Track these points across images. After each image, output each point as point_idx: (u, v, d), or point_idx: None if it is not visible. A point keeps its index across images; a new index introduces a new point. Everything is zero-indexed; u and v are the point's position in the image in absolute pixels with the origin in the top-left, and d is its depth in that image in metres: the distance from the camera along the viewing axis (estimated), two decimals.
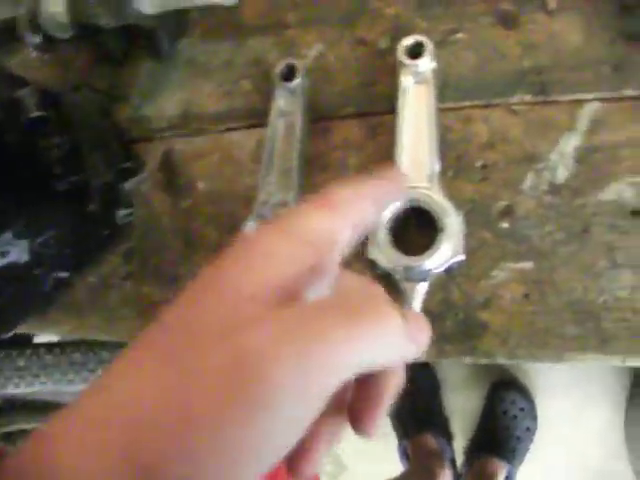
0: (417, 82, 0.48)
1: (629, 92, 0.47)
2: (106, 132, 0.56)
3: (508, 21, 0.50)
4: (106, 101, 0.59)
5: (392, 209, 0.45)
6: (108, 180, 0.53)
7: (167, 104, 0.58)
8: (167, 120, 0.58)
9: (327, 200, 0.26)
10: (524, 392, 1.26)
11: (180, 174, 0.56)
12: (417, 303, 0.45)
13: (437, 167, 0.46)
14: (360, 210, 0.28)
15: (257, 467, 0.21)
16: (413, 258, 0.44)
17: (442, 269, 0.44)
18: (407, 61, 0.48)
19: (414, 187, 0.46)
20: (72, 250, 0.55)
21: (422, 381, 1.29)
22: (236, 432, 0.20)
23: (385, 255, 0.45)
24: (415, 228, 0.47)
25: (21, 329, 0.54)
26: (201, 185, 0.55)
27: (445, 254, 0.44)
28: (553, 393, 1.27)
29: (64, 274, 0.56)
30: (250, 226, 0.48)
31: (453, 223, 0.44)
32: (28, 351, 0.95)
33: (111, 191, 0.54)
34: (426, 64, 0.48)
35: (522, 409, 1.23)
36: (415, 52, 0.48)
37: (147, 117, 0.59)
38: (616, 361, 0.44)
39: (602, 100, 0.47)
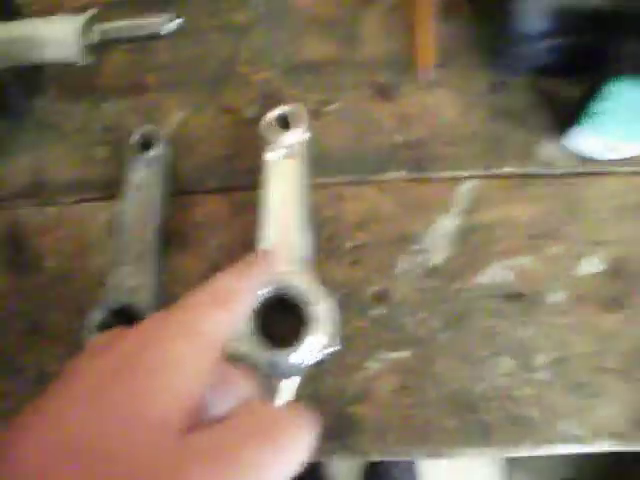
0: (285, 156, 0.46)
1: (505, 170, 0.48)
2: None
3: (384, 93, 0.51)
4: None
5: (260, 297, 0.43)
6: None
7: (15, 170, 0.53)
8: (13, 187, 0.53)
9: (219, 296, 0.27)
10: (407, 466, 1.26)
11: (26, 249, 0.52)
12: (284, 400, 0.43)
13: (307, 249, 0.45)
14: (246, 302, 0.28)
15: None
16: (276, 352, 0.41)
17: (311, 362, 0.42)
18: (271, 135, 0.46)
19: (282, 272, 0.43)
20: None
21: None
22: None
23: (247, 348, 0.42)
24: (285, 317, 0.44)
25: None
26: (49, 262, 0.51)
27: (313, 346, 0.41)
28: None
29: None
30: (95, 318, 0.45)
31: (321, 312, 0.42)
32: None
33: None
34: (293, 136, 0.46)
35: None
36: (285, 122, 0.47)
37: None
38: (498, 452, 0.44)
39: (478, 177, 0.48)
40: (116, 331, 0.27)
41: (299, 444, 0.24)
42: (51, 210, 0.52)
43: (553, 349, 0.44)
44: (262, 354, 0.41)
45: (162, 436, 0.22)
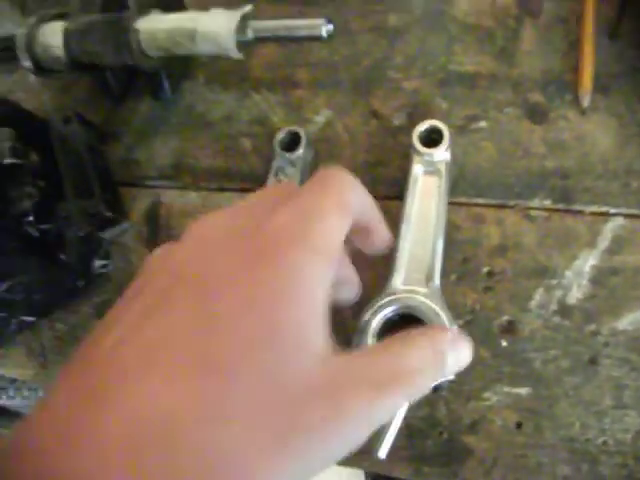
0: (428, 172, 0.46)
1: None
2: (91, 174, 0.55)
3: (536, 115, 0.49)
4: (96, 138, 0.58)
5: (382, 314, 0.43)
6: (84, 231, 0.52)
7: (160, 151, 0.57)
8: (158, 168, 0.57)
9: (341, 199, 0.28)
10: None
11: (164, 229, 0.55)
12: (398, 420, 0.43)
13: (438, 269, 0.44)
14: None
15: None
16: None
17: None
18: (420, 148, 0.46)
19: (409, 290, 0.44)
20: (42, 297, 0.54)
21: None
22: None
23: None
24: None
25: None
26: None
27: None
28: None
29: (30, 318, 0.56)
30: None
31: None
32: None
33: (87, 242, 0.53)
34: (440, 154, 0.46)
35: None
36: (430, 138, 0.46)
37: (138, 162, 0.58)
38: None
39: (628, 216, 0.46)
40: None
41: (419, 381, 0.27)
42: (193, 195, 0.55)
43: None
44: None
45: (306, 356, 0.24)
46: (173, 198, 0.56)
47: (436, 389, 0.43)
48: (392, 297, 0.43)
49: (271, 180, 0.50)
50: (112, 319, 0.26)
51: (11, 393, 0.93)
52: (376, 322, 0.43)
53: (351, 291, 0.35)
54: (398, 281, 0.44)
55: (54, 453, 0.21)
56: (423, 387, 0.27)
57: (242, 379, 0.22)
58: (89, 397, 0.22)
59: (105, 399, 0.22)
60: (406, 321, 0.44)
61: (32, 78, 0.59)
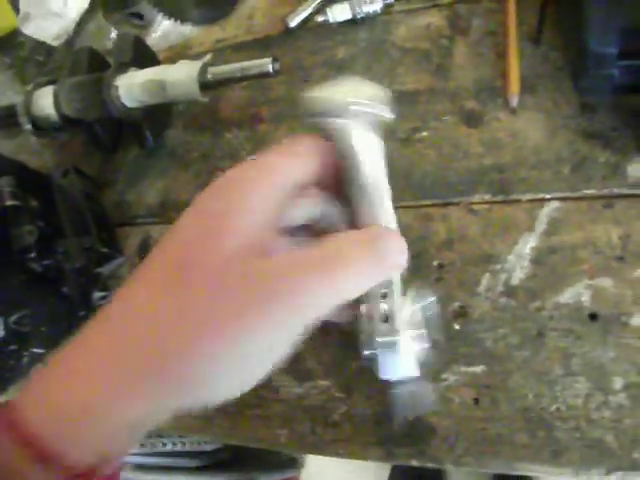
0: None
1: (588, 192, 0.49)
2: (87, 217, 0.63)
3: (471, 120, 0.54)
4: (92, 186, 0.66)
5: None
6: (82, 265, 0.59)
7: (148, 192, 0.64)
8: (147, 207, 0.64)
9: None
10: None
11: None
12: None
13: None
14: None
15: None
16: None
17: None
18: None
19: None
20: (48, 328, 0.61)
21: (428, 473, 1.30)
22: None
23: None
24: None
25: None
26: None
27: None
28: None
29: (41, 350, 0.62)
30: None
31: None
32: None
33: (86, 274, 0.60)
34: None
35: None
36: None
37: (129, 203, 0.65)
38: (568, 473, 0.45)
39: (561, 199, 0.50)
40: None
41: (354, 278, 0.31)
42: None
43: (634, 373, 0.45)
44: None
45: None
46: (161, 233, 0.62)
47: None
48: None
49: None
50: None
51: None
52: None
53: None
54: None
55: None
56: (356, 285, 0.32)
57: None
58: None
59: None
60: None
61: (33, 140, 0.68)
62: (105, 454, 0.29)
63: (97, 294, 0.61)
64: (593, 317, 0.47)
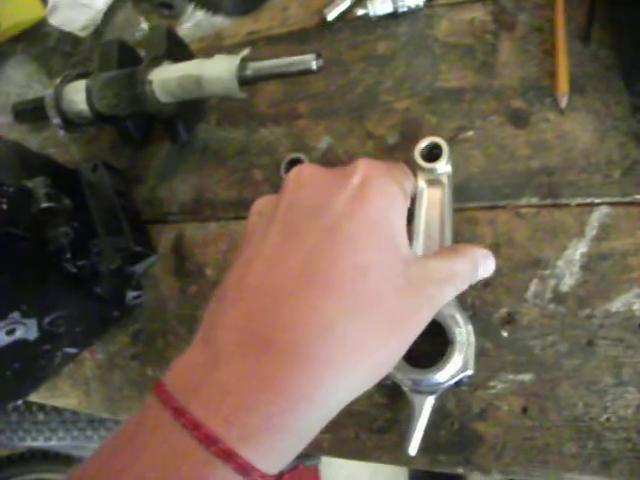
0: (432, 185, 0.52)
1: (639, 197, 0.51)
2: (119, 214, 0.63)
3: (518, 120, 0.55)
4: (122, 182, 0.66)
5: None
6: (117, 265, 0.60)
7: (180, 188, 0.65)
8: (179, 204, 0.65)
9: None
10: None
11: (189, 259, 0.62)
12: (425, 415, 0.47)
13: None
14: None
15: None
16: (422, 371, 0.47)
17: (451, 383, 0.47)
18: (423, 164, 0.51)
19: None
20: (81, 328, 0.62)
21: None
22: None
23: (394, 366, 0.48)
24: (425, 338, 0.50)
25: (31, 398, 0.62)
26: (209, 272, 0.61)
27: (454, 367, 0.47)
28: None
29: (73, 350, 0.63)
30: None
31: (463, 335, 0.47)
32: (47, 406, 1.05)
33: (120, 274, 0.61)
34: (442, 167, 0.51)
35: None
36: (431, 154, 0.52)
37: (161, 200, 0.66)
38: None
39: (612, 205, 0.50)
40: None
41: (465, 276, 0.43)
42: (212, 225, 0.62)
43: None
44: (408, 372, 0.47)
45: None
46: (195, 230, 0.63)
47: (457, 384, 0.48)
48: None
49: None
50: (246, 260, 0.37)
51: (61, 434, 1.01)
52: None
53: None
54: None
55: None
56: (463, 286, 0.42)
57: (371, 278, 0.35)
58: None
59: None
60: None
61: (61, 133, 0.68)
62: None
63: (131, 293, 0.62)
64: None
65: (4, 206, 0.51)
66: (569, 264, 0.50)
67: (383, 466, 1.41)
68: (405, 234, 0.39)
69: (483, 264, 0.45)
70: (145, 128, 0.67)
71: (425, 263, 0.39)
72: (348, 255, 0.35)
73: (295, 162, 0.57)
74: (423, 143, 0.52)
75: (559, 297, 0.50)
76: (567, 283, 0.50)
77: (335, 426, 0.52)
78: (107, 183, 0.64)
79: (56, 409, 1.02)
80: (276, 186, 0.60)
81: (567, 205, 0.52)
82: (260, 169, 0.62)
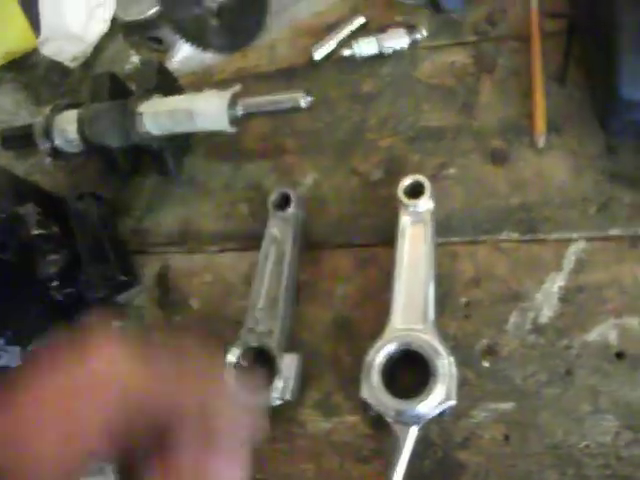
0: (414, 221, 0.54)
1: (614, 232, 0.52)
2: (105, 243, 0.64)
3: (498, 159, 0.57)
4: (108, 212, 0.67)
5: (385, 351, 0.50)
6: (102, 294, 0.61)
7: (167, 219, 0.66)
8: (166, 235, 0.65)
9: None
10: None
11: (174, 290, 0.63)
12: (409, 445, 0.48)
13: (432, 307, 0.51)
14: None
15: None
16: (405, 402, 0.48)
17: (435, 413, 0.48)
18: (406, 201, 0.53)
19: (407, 329, 0.51)
20: None
21: None
22: None
23: (377, 397, 0.49)
24: (408, 369, 0.51)
25: None
26: (194, 303, 0.62)
27: (437, 398, 0.48)
28: None
29: None
30: (234, 352, 0.55)
31: (445, 367, 0.48)
32: None
33: (105, 303, 0.62)
34: (425, 204, 0.53)
35: None
36: (414, 191, 0.54)
37: (147, 231, 0.67)
38: None
39: (588, 239, 0.52)
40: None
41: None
42: (198, 257, 0.63)
43: None
44: (392, 403, 0.48)
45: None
46: (180, 262, 0.64)
47: (441, 414, 0.49)
48: (392, 336, 0.51)
49: (267, 239, 0.58)
50: None
51: None
52: (379, 360, 0.50)
53: None
54: (397, 321, 0.52)
55: None
56: None
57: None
58: None
59: None
60: (409, 356, 0.51)
61: (47, 161, 0.69)
62: None
63: (115, 323, 0.62)
64: (620, 355, 0.49)
65: None
66: (547, 296, 0.52)
67: None
68: None
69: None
70: (133, 159, 0.68)
71: None
72: None
73: (284, 196, 0.59)
74: (406, 181, 0.54)
75: (538, 328, 0.51)
76: (546, 315, 0.52)
77: (319, 456, 0.53)
78: (93, 212, 0.65)
79: None
80: (262, 220, 0.61)
81: (545, 240, 0.54)
82: (246, 203, 0.64)
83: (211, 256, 0.63)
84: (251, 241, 0.61)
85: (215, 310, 0.61)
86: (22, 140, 0.69)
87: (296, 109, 0.55)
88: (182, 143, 0.67)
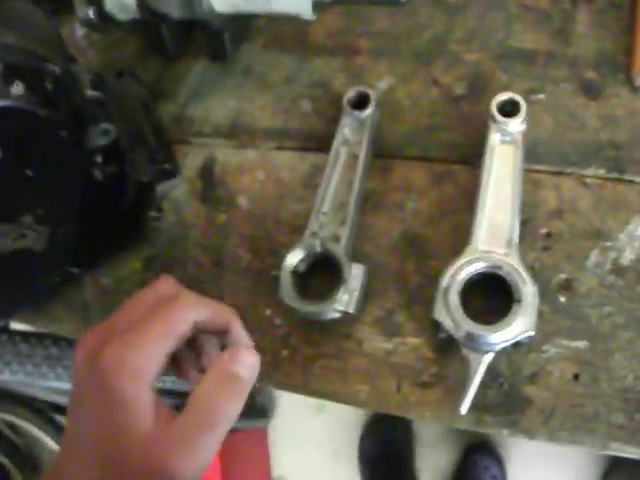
0: (504, 142, 0.50)
1: None
2: (145, 127, 0.57)
3: (590, 91, 0.54)
4: (148, 94, 0.61)
5: (468, 271, 0.47)
6: (146, 178, 0.54)
7: (216, 109, 0.60)
8: (213, 126, 0.59)
9: (167, 326, 0.40)
10: (498, 459, 1.31)
11: (220, 186, 0.57)
12: (479, 375, 0.45)
13: (517, 233, 0.48)
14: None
15: None
16: (485, 327, 0.45)
17: (512, 342, 0.45)
18: (500, 118, 0.50)
19: (489, 252, 0.47)
20: (91, 246, 0.55)
21: (398, 432, 1.34)
22: None
23: (454, 319, 0.45)
24: (483, 296, 0.48)
25: (19, 321, 0.55)
26: (242, 202, 0.56)
27: (519, 327, 0.45)
28: (527, 464, 1.33)
29: (76, 270, 0.56)
30: (296, 254, 0.50)
31: (530, 295, 0.45)
32: (3, 337, 0.95)
33: (146, 190, 0.55)
34: (517, 125, 0.50)
35: (495, 477, 1.28)
36: (506, 110, 0.50)
37: (192, 119, 0.60)
38: None
39: None
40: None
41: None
42: (250, 153, 0.57)
43: None
44: (471, 326, 0.45)
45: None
46: (229, 156, 0.58)
47: (516, 344, 0.46)
48: (474, 256, 0.47)
49: (338, 139, 0.53)
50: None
51: (15, 367, 0.92)
52: (460, 278, 0.47)
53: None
54: (479, 243, 0.48)
55: None
56: (230, 410, 0.39)
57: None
58: None
59: None
60: (487, 283, 0.48)
61: (79, 34, 0.61)
62: None
63: (151, 214, 0.56)
64: None
65: (48, 86, 0.44)
66: (631, 239, 0.50)
67: (338, 434, 1.40)
68: (140, 412, 0.37)
69: (242, 367, 0.40)
70: (182, 39, 0.61)
71: (166, 429, 0.37)
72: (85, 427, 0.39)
73: (362, 96, 0.53)
74: (500, 97, 0.50)
75: (619, 270, 0.49)
76: (627, 257, 0.49)
77: (374, 377, 0.50)
78: (133, 92, 0.58)
79: (12, 341, 0.92)
80: (327, 120, 0.56)
81: (632, 182, 0.51)
82: (310, 100, 0.58)
83: (266, 153, 0.57)
84: (313, 141, 0.56)
85: (267, 211, 0.55)
86: (57, 3, 0.60)
87: (394, 2, 0.50)
88: (241, 28, 0.60)
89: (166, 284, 0.43)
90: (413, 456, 1.37)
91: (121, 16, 0.56)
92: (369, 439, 1.38)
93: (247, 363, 0.40)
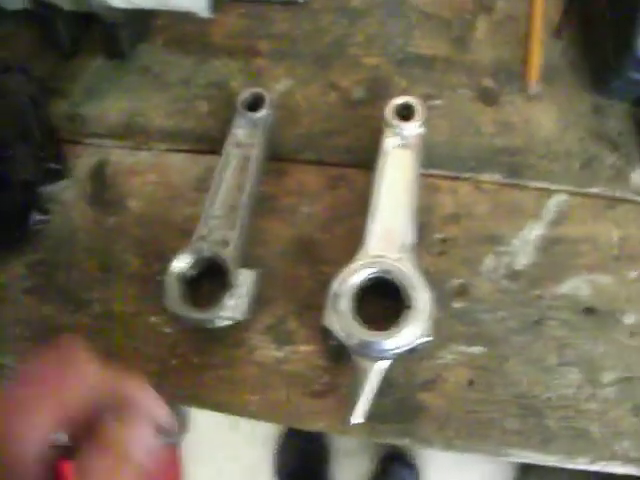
0: (400, 146, 0.49)
1: (594, 190, 0.51)
2: (34, 124, 0.54)
3: (487, 98, 0.54)
4: (39, 90, 0.57)
5: (359, 276, 0.45)
6: (31, 178, 0.50)
7: (111, 109, 0.56)
8: (108, 127, 0.56)
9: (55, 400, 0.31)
10: (414, 468, 1.30)
11: (111, 188, 0.54)
12: (374, 382, 0.43)
13: (411, 238, 0.47)
14: None
15: None
16: (374, 333, 0.43)
17: (406, 349, 0.43)
18: (395, 122, 0.49)
19: (381, 257, 0.46)
20: None
21: (314, 445, 1.32)
22: None
23: (345, 326, 0.43)
24: (378, 301, 0.46)
25: None
26: (132, 205, 0.53)
27: (410, 333, 0.43)
28: (443, 472, 1.33)
29: None
30: (182, 259, 0.47)
31: (423, 301, 0.44)
32: None
33: (31, 191, 0.51)
34: (413, 129, 0.49)
35: None
36: (403, 114, 0.49)
37: (84, 118, 0.57)
38: (555, 461, 0.45)
39: (569, 193, 0.50)
40: None
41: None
42: (143, 154, 0.55)
43: (622, 369, 0.46)
44: (361, 334, 0.43)
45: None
46: (122, 157, 0.55)
47: (412, 351, 0.44)
48: (367, 261, 0.46)
49: (230, 141, 0.51)
50: None
51: None
52: (351, 284, 0.45)
53: None
54: (372, 248, 0.47)
55: None
56: None
57: None
58: None
59: None
60: (384, 289, 0.46)
61: None
62: None
63: (36, 216, 0.52)
64: (589, 311, 0.48)
65: None
66: (524, 244, 0.50)
67: (250, 448, 1.35)
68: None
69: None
70: (77, 34, 0.58)
71: None
72: None
73: (255, 97, 0.52)
74: (397, 101, 0.49)
75: (512, 274, 0.49)
76: (521, 262, 0.49)
77: (265, 387, 0.47)
78: (21, 88, 0.54)
79: None
80: (223, 121, 0.54)
81: (527, 187, 0.52)
82: (207, 101, 0.56)
83: (159, 154, 0.55)
84: (208, 143, 0.54)
85: (157, 215, 0.52)
86: None
87: (292, 2, 0.49)
88: (140, 25, 0.58)
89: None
90: (329, 468, 1.34)
91: (10, 5, 0.53)
92: (284, 453, 1.35)
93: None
